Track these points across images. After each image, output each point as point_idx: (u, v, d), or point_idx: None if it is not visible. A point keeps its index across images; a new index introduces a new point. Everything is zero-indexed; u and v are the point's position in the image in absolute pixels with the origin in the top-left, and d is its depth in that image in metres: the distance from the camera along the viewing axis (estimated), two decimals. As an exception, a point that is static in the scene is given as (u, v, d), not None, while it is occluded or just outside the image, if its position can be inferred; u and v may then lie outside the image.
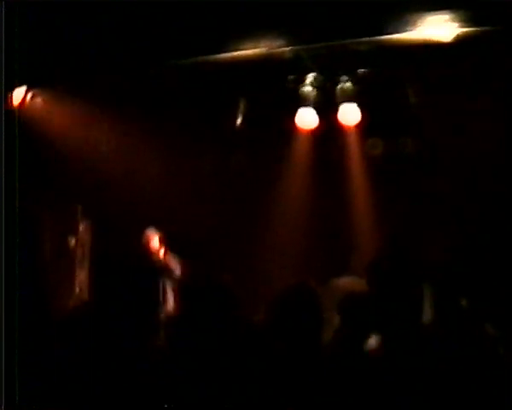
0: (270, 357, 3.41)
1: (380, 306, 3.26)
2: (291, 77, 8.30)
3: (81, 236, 8.83)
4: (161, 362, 3.42)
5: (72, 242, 8.71)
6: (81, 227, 8.84)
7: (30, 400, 3.07)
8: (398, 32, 6.26)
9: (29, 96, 7.62)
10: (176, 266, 8.27)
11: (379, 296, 3.28)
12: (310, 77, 8.26)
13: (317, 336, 3.53)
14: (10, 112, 4.84)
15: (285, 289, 3.68)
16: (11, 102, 5.48)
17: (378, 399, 3.09)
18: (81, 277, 8.64)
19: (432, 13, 6.07)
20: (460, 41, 6.12)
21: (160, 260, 8.31)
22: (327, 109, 8.47)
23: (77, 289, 8.35)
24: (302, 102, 8.39)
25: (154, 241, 8.44)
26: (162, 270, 8.04)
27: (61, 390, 3.07)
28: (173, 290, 7.81)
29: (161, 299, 7.01)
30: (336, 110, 8.38)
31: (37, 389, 3.08)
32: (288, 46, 6.93)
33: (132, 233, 8.45)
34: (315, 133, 8.89)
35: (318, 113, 8.50)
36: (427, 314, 4.33)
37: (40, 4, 5.91)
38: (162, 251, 8.40)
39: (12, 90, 5.36)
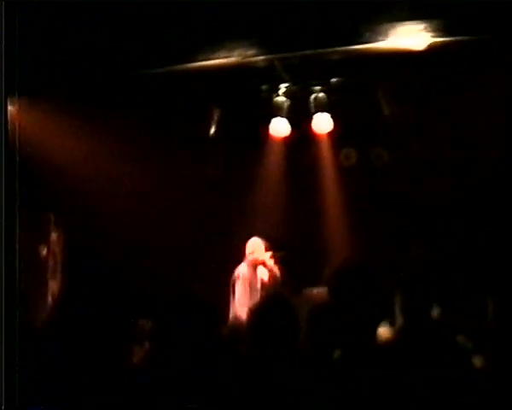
0: (247, 364, 3.43)
1: (344, 317, 3.25)
2: (264, 87, 8.29)
3: (53, 245, 8.69)
4: (145, 369, 3.43)
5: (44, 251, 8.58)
6: (53, 236, 8.70)
7: (30, 400, 3.06)
8: (371, 42, 6.25)
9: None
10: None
11: (343, 307, 3.26)
12: (283, 87, 8.27)
13: (289, 345, 3.54)
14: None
15: (261, 300, 3.71)
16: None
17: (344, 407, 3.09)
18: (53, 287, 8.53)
19: (405, 23, 6.08)
20: (433, 51, 6.14)
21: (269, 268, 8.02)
22: (300, 119, 8.48)
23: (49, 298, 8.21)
24: (275, 111, 8.38)
25: (260, 249, 8.08)
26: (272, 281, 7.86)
27: (61, 391, 3.06)
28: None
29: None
30: (310, 120, 8.38)
31: (38, 388, 3.08)
32: (261, 56, 6.91)
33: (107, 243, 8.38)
34: (288, 143, 8.88)
35: (292, 123, 8.50)
36: (397, 324, 4.33)
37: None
38: (272, 260, 8.05)
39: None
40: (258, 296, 7.61)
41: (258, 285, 7.86)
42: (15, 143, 7.40)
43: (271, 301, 3.76)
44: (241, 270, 8.05)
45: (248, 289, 7.77)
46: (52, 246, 8.68)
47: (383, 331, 5.08)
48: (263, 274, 7.96)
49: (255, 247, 8.07)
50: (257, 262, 7.99)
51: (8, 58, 4.12)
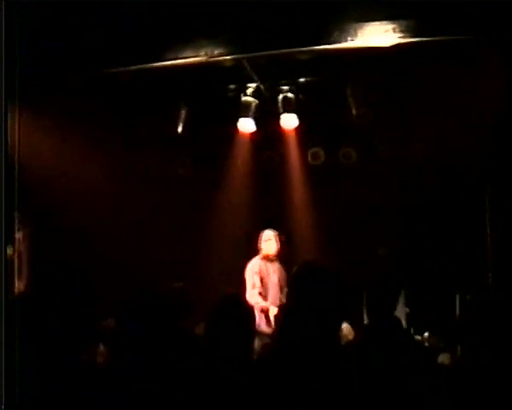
0: (205, 364, 3.41)
1: (301, 318, 3.24)
2: (232, 86, 8.29)
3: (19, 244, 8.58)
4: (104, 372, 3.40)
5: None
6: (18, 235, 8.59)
7: (30, 400, 3.04)
8: (339, 42, 6.27)
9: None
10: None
11: (300, 308, 3.25)
12: (251, 86, 8.26)
13: (247, 345, 3.55)
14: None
15: (219, 301, 3.68)
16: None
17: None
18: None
19: (372, 23, 6.11)
20: (401, 51, 6.17)
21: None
22: (268, 119, 8.48)
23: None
24: (243, 111, 8.37)
25: (271, 240, 8.05)
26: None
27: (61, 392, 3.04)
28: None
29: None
30: (278, 120, 8.39)
31: (38, 389, 3.05)
32: (229, 55, 6.89)
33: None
34: (256, 142, 8.90)
35: (260, 122, 8.50)
36: (364, 323, 4.34)
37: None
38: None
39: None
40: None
41: (274, 280, 7.90)
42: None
43: (229, 301, 3.73)
44: (255, 263, 8.02)
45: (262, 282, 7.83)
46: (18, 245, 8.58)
47: (345, 331, 5.10)
48: (274, 269, 8.00)
49: (269, 239, 8.05)
50: (269, 256, 8.01)
51: (7, 57, 4.07)
